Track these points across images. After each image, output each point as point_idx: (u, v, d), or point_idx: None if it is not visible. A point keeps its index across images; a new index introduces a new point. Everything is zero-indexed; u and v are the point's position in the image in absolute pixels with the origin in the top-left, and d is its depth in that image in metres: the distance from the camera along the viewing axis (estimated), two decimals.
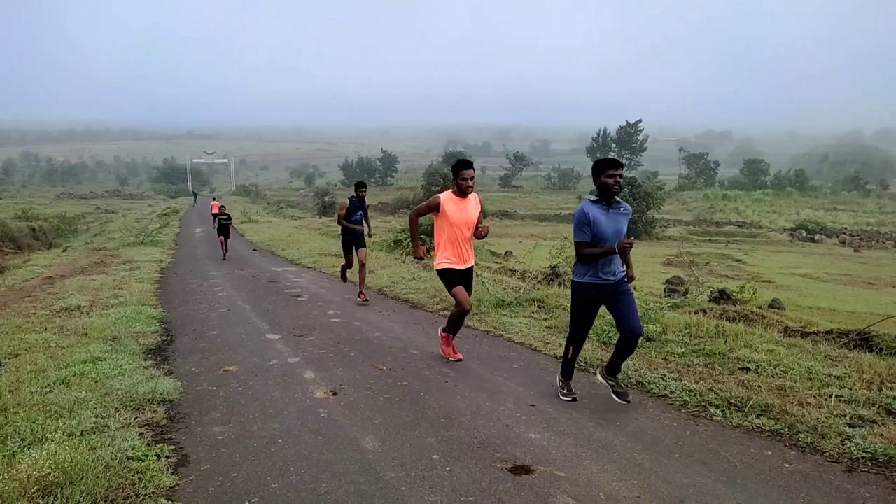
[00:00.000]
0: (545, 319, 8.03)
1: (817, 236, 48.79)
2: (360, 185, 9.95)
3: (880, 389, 4.97)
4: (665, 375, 5.46)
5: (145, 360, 6.34)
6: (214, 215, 20.35)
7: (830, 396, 4.82)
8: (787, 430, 4.28)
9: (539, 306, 8.75)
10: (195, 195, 66.04)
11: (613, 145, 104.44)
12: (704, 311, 8.76)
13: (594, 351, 6.37)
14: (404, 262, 14.88)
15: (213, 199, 46.92)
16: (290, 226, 35.48)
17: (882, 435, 4.10)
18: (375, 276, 12.75)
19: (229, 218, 19.38)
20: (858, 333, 7.23)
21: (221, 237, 19.10)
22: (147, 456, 3.89)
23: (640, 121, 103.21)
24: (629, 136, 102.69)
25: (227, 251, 18.87)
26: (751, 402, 4.69)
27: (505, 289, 9.58)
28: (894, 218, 59.03)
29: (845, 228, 52.45)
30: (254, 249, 21.71)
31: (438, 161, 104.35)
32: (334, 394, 5.25)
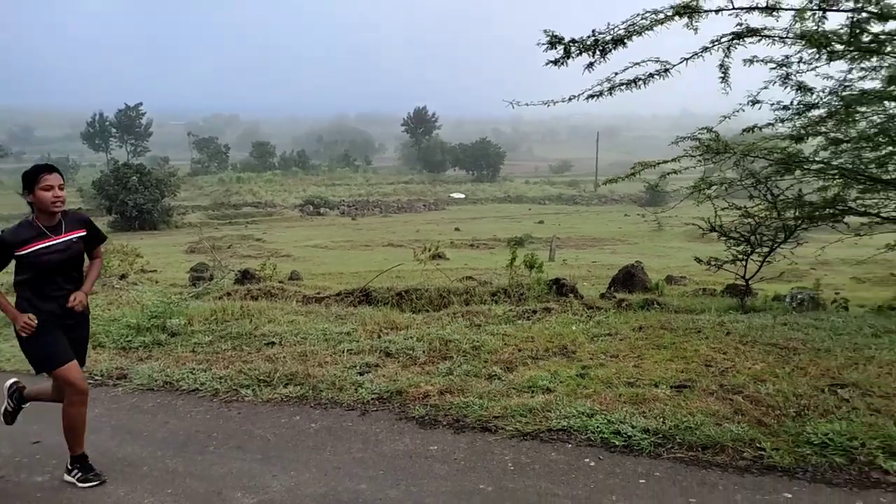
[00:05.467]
0: None
1: (322, 210, 54.99)
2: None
3: (379, 336, 5.84)
4: (194, 368, 5.25)
5: None
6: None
7: (343, 352, 5.41)
8: (311, 392, 4.62)
9: None
10: None
11: (114, 130, 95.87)
12: (230, 295, 8.80)
13: (112, 360, 5.70)
14: None
15: None
16: None
17: (384, 375, 4.81)
18: None
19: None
20: (361, 291, 8.36)
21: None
22: None
23: (140, 104, 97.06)
24: (131, 120, 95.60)
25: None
26: (278, 375, 4.91)
27: None
28: (378, 189, 70.60)
29: (343, 201, 60.35)
30: None
31: None
32: None
